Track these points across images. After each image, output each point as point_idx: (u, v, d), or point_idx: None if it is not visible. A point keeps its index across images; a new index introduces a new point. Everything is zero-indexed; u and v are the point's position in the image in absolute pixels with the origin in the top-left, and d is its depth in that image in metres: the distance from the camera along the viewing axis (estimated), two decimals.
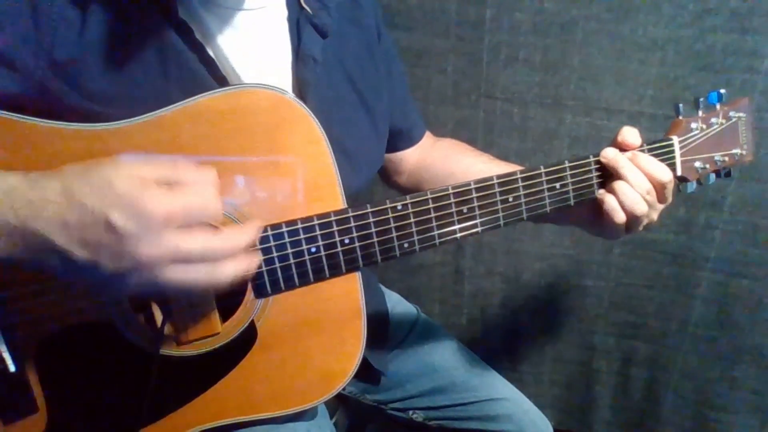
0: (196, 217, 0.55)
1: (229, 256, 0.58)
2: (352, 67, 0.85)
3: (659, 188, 0.80)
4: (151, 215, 0.53)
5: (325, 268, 0.72)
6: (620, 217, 0.79)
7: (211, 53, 0.71)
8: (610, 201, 0.79)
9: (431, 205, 0.75)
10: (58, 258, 0.54)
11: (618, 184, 0.79)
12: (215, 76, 0.71)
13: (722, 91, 0.86)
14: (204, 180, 0.57)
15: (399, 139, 1.01)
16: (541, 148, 1.44)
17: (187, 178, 0.56)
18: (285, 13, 0.79)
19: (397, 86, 0.97)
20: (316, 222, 0.70)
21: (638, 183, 0.78)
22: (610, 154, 0.80)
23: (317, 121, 0.70)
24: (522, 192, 0.79)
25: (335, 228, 0.71)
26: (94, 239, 0.53)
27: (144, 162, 0.56)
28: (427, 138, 1.06)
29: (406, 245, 0.75)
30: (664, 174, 0.80)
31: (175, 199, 0.54)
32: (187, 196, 0.55)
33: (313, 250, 0.71)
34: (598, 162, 0.81)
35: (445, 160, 1.00)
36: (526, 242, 1.56)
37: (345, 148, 0.80)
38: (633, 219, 0.79)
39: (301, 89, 0.78)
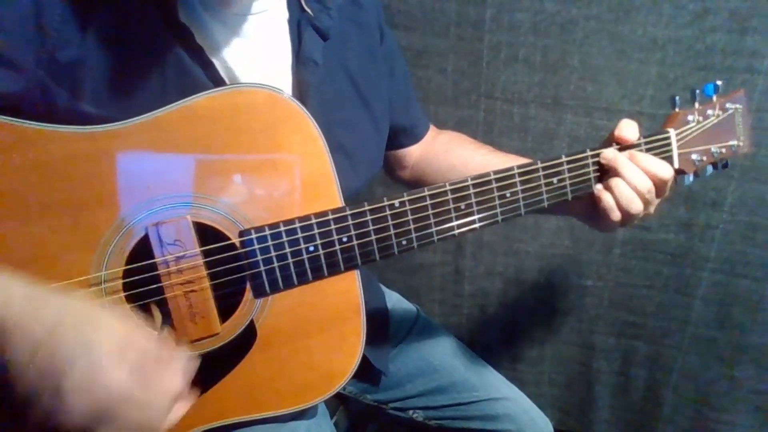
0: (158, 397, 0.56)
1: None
2: (353, 68, 0.85)
3: (660, 185, 0.80)
4: (109, 389, 0.53)
5: (324, 266, 0.72)
6: (616, 215, 0.79)
7: (210, 57, 0.71)
8: (606, 199, 0.79)
9: (429, 202, 0.75)
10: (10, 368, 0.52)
11: (615, 182, 0.79)
12: (214, 80, 0.72)
13: (718, 82, 0.86)
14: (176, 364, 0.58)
15: (403, 136, 1.01)
16: (541, 148, 1.44)
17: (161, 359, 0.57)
18: (286, 15, 0.79)
19: (400, 84, 0.97)
20: (314, 221, 0.70)
21: (639, 182, 0.78)
22: (609, 155, 0.80)
23: (314, 119, 0.70)
24: (519, 187, 0.79)
25: (333, 227, 0.71)
26: (49, 370, 0.52)
27: (135, 334, 0.56)
28: (430, 132, 1.07)
29: (404, 243, 0.75)
30: (665, 171, 0.80)
31: (141, 384, 0.54)
32: (153, 382, 0.55)
33: (312, 249, 0.71)
34: (595, 157, 0.81)
35: (446, 153, 1.01)
36: (526, 242, 1.55)
37: (345, 149, 0.80)
38: (628, 216, 0.80)
39: (301, 91, 0.78)
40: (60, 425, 0.52)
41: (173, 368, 0.57)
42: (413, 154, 1.04)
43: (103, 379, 0.53)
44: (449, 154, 1.00)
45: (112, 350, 0.54)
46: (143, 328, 0.59)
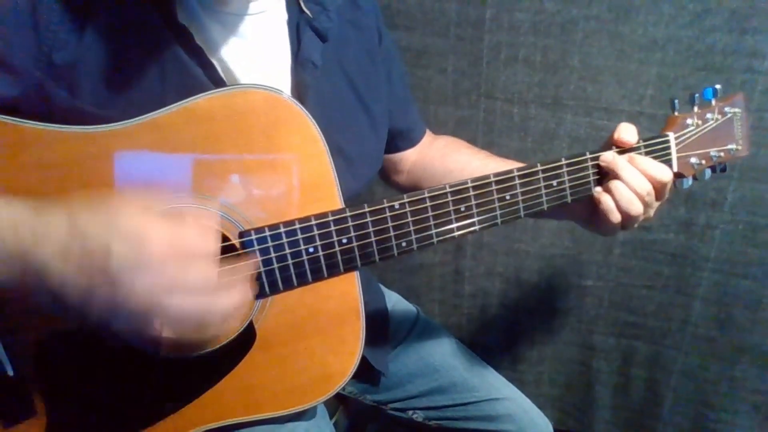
0: (194, 252, 0.56)
1: (225, 288, 0.58)
2: (351, 69, 0.85)
3: (659, 188, 0.80)
4: (151, 248, 0.53)
5: (324, 268, 0.72)
6: (615, 217, 0.79)
7: (210, 58, 0.71)
8: (606, 201, 0.80)
9: (428, 204, 0.75)
10: (57, 284, 0.54)
11: (614, 184, 0.79)
12: (213, 80, 0.71)
13: (717, 86, 0.86)
14: (205, 216, 0.59)
15: (399, 140, 1.01)
16: (541, 148, 1.44)
17: (190, 212, 0.58)
18: (285, 16, 0.79)
19: (397, 87, 0.97)
20: (313, 222, 0.70)
21: (638, 185, 0.78)
22: (609, 158, 0.80)
23: (314, 120, 0.70)
24: (519, 190, 0.79)
25: (333, 228, 0.71)
26: (92, 265, 0.53)
27: (149, 195, 0.57)
28: (426, 136, 1.06)
29: (404, 244, 0.75)
30: (664, 174, 0.80)
31: (176, 235, 0.55)
32: (188, 231, 0.56)
33: (311, 250, 0.71)
34: (595, 159, 0.81)
35: (442, 159, 1.00)
36: (526, 242, 1.55)
37: (344, 150, 0.80)
38: (628, 219, 0.79)
39: (300, 92, 0.78)
40: (120, 310, 0.54)
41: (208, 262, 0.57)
42: (409, 158, 1.04)
43: (143, 234, 0.53)
44: (446, 159, 1.00)
45: (134, 214, 0.54)
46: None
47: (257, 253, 0.70)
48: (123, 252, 0.53)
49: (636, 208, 0.79)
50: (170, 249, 0.54)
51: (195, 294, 0.56)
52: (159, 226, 0.54)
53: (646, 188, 0.79)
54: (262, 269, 0.70)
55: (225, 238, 0.69)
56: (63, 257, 0.53)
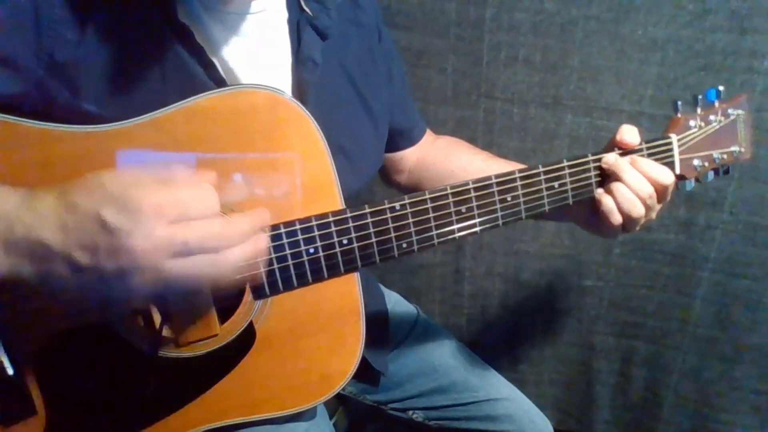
0: (190, 208, 0.54)
1: (231, 242, 0.56)
2: (352, 68, 0.85)
3: (661, 190, 0.80)
4: (140, 207, 0.51)
5: (324, 268, 0.72)
6: (617, 218, 0.79)
7: (211, 57, 0.71)
8: (607, 202, 0.79)
9: (429, 205, 0.75)
10: (64, 266, 0.53)
11: (616, 186, 0.79)
12: (214, 79, 0.71)
13: (720, 88, 0.86)
14: (200, 177, 0.57)
15: (399, 139, 1.01)
16: (541, 148, 1.44)
17: (182, 174, 0.56)
18: (285, 15, 0.79)
19: (397, 86, 0.97)
20: (314, 223, 0.70)
21: (640, 187, 0.78)
22: (611, 159, 0.80)
23: (314, 120, 0.70)
24: (521, 191, 0.79)
25: (333, 228, 0.71)
26: (90, 239, 0.52)
27: (140, 167, 0.55)
28: (427, 136, 1.06)
29: (404, 245, 0.75)
30: (666, 177, 0.80)
31: (166, 192, 0.53)
32: (179, 190, 0.54)
33: (312, 251, 0.71)
34: (597, 161, 0.81)
35: (444, 159, 1.00)
36: (526, 242, 1.55)
37: (345, 149, 0.80)
38: (629, 221, 0.79)
39: (300, 91, 0.78)
40: (128, 275, 0.53)
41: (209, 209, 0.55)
42: (410, 158, 1.04)
43: (131, 196, 0.52)
44: (447, 160, 1.00)
45: (122, 180, 0.53)
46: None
47: (266, 236, 0.69)
48: (113, 218, 0.51)
49: (637, 210, 0.78)
50: (159, 207, 0.52)
51: (198, 254, 0.54)
52: (146, 186, 0.53)
53: (648, 191, 0.79)
54: (262, 270, 0.70)
55: None
56: (63, 233, 0.52)
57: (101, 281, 0.53)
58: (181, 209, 0.53)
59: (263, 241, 0.61)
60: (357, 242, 0.73)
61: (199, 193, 0.55)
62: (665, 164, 0.82)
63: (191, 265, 0.54)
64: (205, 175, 0.58)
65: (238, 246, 0.56)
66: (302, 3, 0.79)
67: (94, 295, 0.56)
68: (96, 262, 0.52)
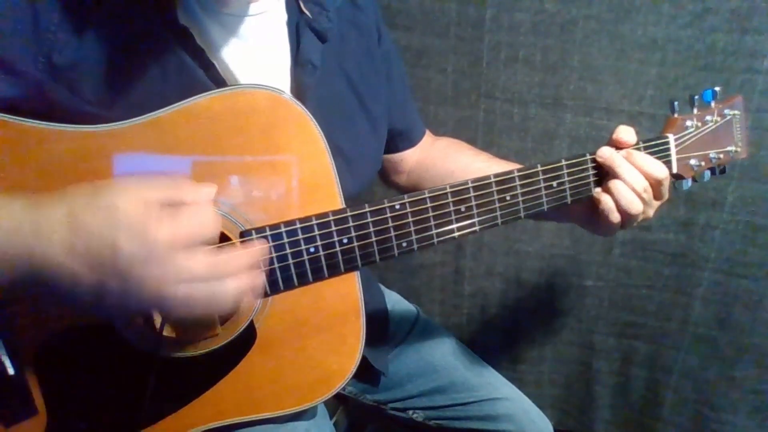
0: (197, 239, 0.56)
1: (231, 274, 0.58)
2: (351, 70, 0.85)
3: (655, 185, 0.80)
4: (156, 239, 0.54)
5: (324, 268, 0.72)
6: (615, 217, 0.80)
7: (211, 58, 0.71)
8: (606, 201, 0.80)
9: (429, 205, 0.75)
10: (68, 280, 0.54)
11: (614, 183, 0.79)
12: (215, 81, 0.71)
13: (717, 88, 0.86)
14: (203, 200, 0.59)
15: (399, 140, 1.01)
16: (541, 148, 1.44)
17: (188, 198, 0.58)
18: (284, 17, 0.79)
19: (397, 87, 0.97)
20: (314, 222, 0.70)
21: (634, 181, 0.79)
22: (606, 153, 0.81)
23: (315, 120, 0.70)
24: (519, 191, 0.79)
25: (333, 228, 0.71)
26: (101, 262, 0.53)
27: (146, 184, 0.57)
28: (427, 137, 1.06)
29: (404, 245, 0.75)
30: (660, 171, 0.80)
31: (178, 224, 0.55)
32: (189, 219, 0.56)
33: (312, 250, 0.71)
34: (595, 160, 0.82)
35: (444, 160, 1.00)
36: (526, 242, 1.55)
37: (344, 151, 0.80)
38: (628, 218, 0.80)
39: (299, 93, 0.78)
40: (132, 301, 0.55)
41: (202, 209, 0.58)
42: (409, 159, 1.04)
43: (147, 226, 0.54)
44: (447, 160, 1.00)
45: (136, 205, 0.54)
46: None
47: (262, 272, 0.70)
48: (129, 247, 0.53)
49: (636, 207, 0.79)
50: (173, 239, 0.55)
51: (202, 282, 0.56)
52: (159, 216, 0.55)
53: (643, 185, 0.79)
54: (263, 269, 0.70)
55: (226, 238, 0.69)
56: (69, 254, 0.53)
57: (104, 300, 0.55)
58: (190, 238, 0.56)
59: (260, 278, 0.64)
60: (357, 241, 0.73)
61: (204, 219, 0.57)
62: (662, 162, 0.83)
63: (193, 292, 0.56)
64: (206, 188, 0.60)
65: (237, 279, 0.59)
66: (301, 5, 0.79)
67: (96, 310, 0.58)
68: (103, 284, 0.54)
